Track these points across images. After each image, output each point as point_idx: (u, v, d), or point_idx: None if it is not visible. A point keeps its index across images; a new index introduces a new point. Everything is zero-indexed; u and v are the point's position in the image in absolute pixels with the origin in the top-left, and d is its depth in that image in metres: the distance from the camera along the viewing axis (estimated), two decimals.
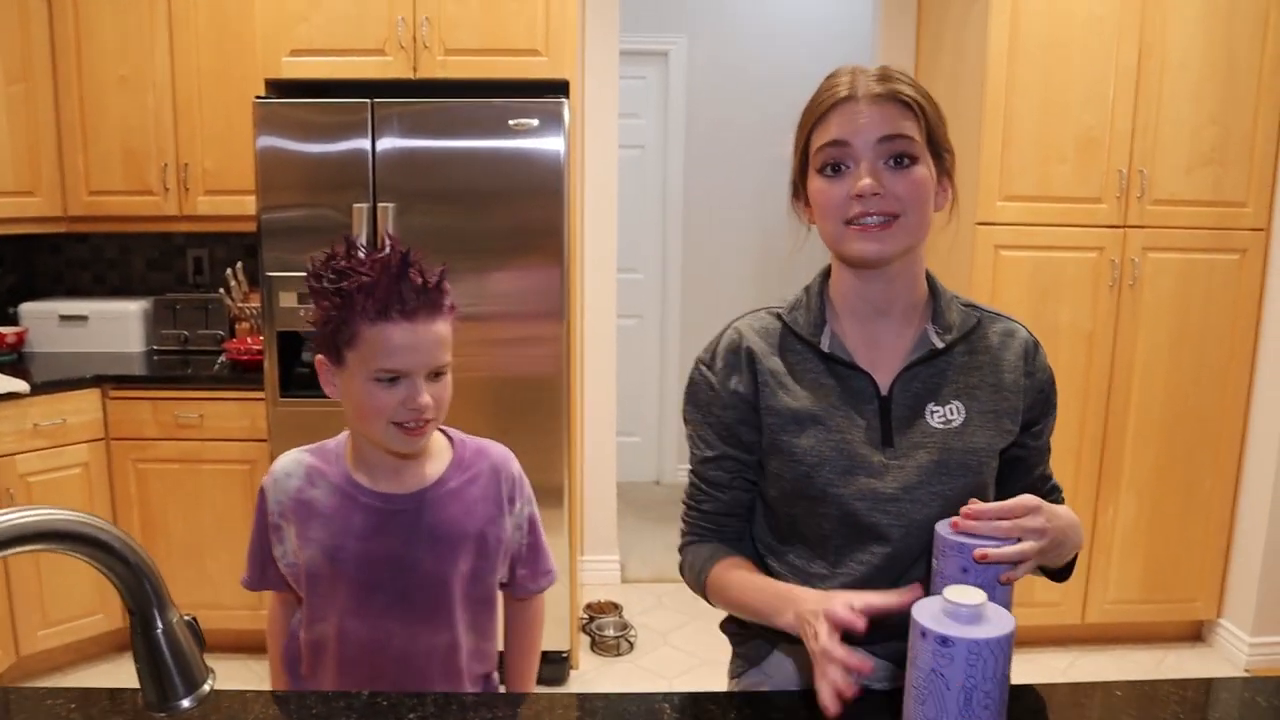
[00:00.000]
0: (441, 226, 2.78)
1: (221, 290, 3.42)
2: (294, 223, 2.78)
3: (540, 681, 2.96)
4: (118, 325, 3.39)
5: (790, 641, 1.26)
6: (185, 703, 0.77)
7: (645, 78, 4.72)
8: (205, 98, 3.18)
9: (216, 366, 3.18)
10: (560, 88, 2.83)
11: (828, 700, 0.94)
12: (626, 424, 4.85)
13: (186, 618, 0.79)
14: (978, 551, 0.98)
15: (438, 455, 1.36)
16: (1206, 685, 1.22)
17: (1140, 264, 3.01)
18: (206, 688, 0.79)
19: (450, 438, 1.40)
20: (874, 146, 1.13)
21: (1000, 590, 1.00)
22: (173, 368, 3.17)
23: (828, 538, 1.23)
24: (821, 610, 1.00)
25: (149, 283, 3.66)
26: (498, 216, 2.78)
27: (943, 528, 1.01)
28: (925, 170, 1.15)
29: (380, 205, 2.75)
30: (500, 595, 1.43)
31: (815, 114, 1.17)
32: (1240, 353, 3.09)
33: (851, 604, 0.99)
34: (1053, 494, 1.32)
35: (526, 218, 2.78)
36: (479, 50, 2.79)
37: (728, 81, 4.73)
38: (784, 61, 4.66)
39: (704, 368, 1.30)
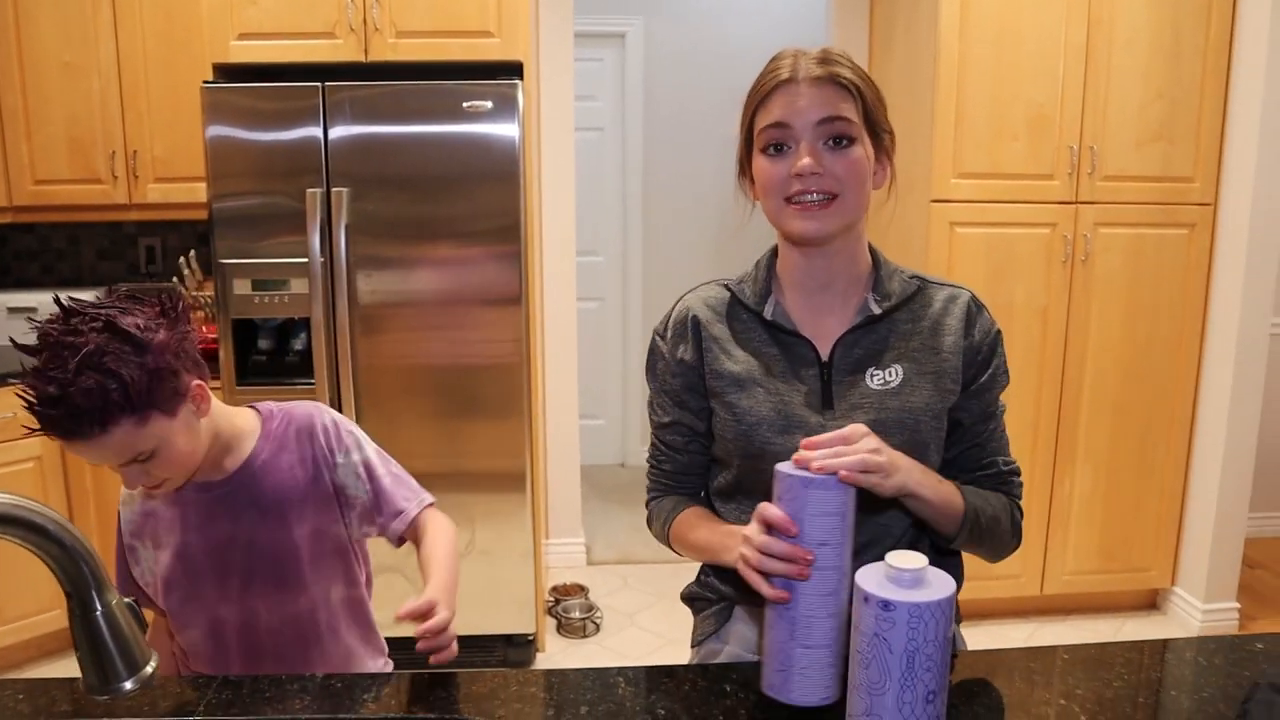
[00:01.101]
0: (397, 212, 2.76)
1: (175, 279, 3.37)
2: (247, 210, 2.75)
3: (506, 663, 2.99)
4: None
5: (750, 602, 1.30)
6: (127, 684, 0.77)
7: (602, 60, 4.70)
8: (152, 83, 3.12)
9: None
10: (514, 70, 2.81)
11: (764, 587, 1.01)
12: (590, 407, 4.86)
13: (126, 600, 0.78)
14: (815, 464, 0.99)
15: (248, 434, 1.40)
16: (1151, 646, 1.25)
17: (1092, 239, 3.05)
18: (149, 669, 0.78)
19: (260, 412, 1.43)
20: (813, 128, 1.17)
21: (812, 524, 0.98)
22: None
23: (769, 493, 1.25)
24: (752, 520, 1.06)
25: (100, 273, 3.59)
26: (454, 201, 2.76)
27: (783, 466, 1.01)
28: (863, 150, 1.19)
29: (334, 190, 2.72)
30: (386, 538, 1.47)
31: (758, 96, 1.22)
32: (1190, 326, 3.15)
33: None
34: (992, 478, 1.30)
35: (483, 201, 2.76)
36: (430, 32, 2.76)
37: (685, 63, 4.72)
38: (741, 42, 4.66)
39: (658, 338, 1.38)
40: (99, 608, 0.75)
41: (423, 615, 1.16)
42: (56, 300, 1.19)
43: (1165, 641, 1.27)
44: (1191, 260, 3.10)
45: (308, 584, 1.41)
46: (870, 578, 0.89)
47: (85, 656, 0.76)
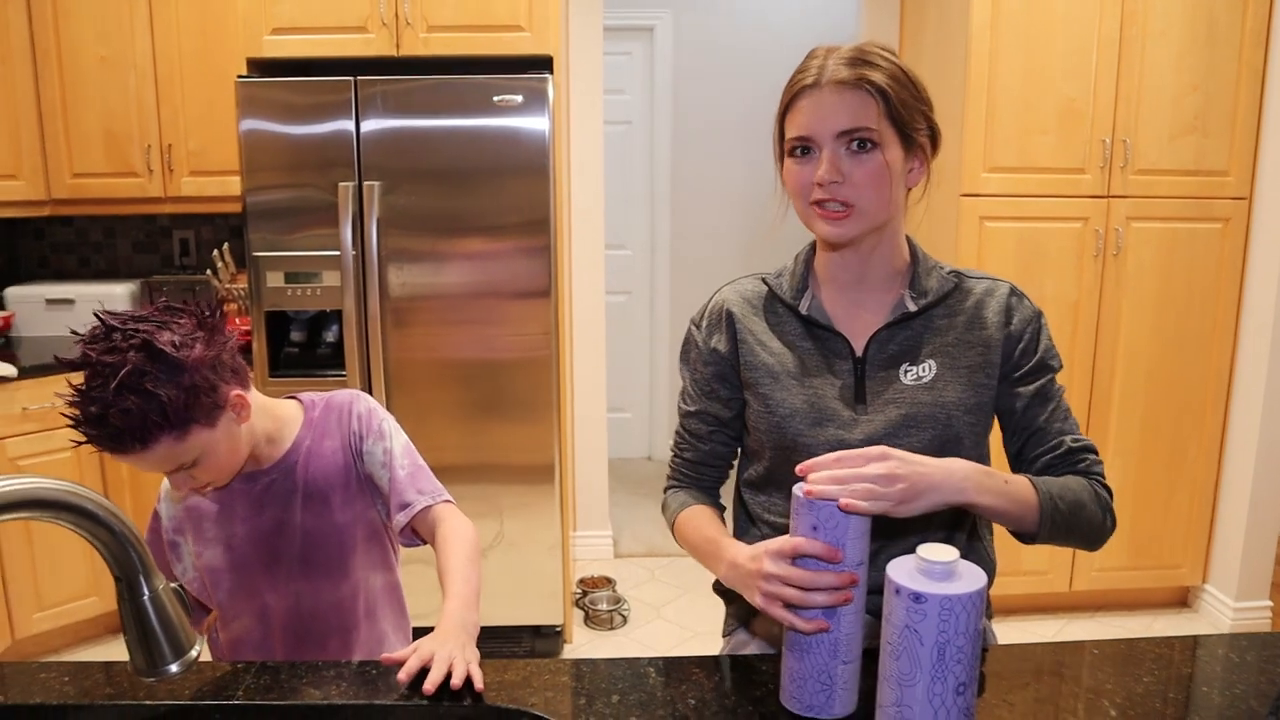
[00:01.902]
0: (428, 205, 2.78)
1: (209, 271, 3.42)
2: (280, 203, 2.78)
3: (535, 655, 3.01)
4: (105, 308, 3.37)
5: None
6: (173, 667, 0.79)
7: (631, 53, 4.70)
8: (187, 77, 3.16)
9: None
10: (544, 64, 2.83)
11: (797, 622, 1.00)
12: (617, 400, 4.87)
13: (173, 585, 0.80)
14: (807, 489, 0.98)
15: (291, 423, 1.43)
16: (1182, 642, 1.25)
17: (1124, 233, 3.02)
18: (194, 653, 0.80)
19: (302, 402, 1.46)
20: (834, 137, 1.18)
21: (854, 547, 0.97)
22: None
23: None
24: (763, 552, 1.05)
25: (135, 265, 3.65)
26: (484, 194, 2.78)
27: (799, 489, 1.00)
28: (885, 155, 1.18)
29: (366, 184, 2.75)
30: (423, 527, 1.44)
31: (786, 99, 1.23)
32: (1223, 321, 3.12)
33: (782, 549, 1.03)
34: (1064, 458, 1.26)
35: (513, 195, 2.78)
36: (462, 26, 2.78)
37: (713, 56, 4.72)
38: (769, 35, 4.65)
39: (693, 326, 1.41)
40: (146, 592, 0.77)
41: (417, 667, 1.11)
42: (96, 315, 1.21)
43: (1196, 638, 1.27)
44: (1225, 255, 3.07)
45: (351, 569, 1.44)
46: (901, 570, 0.90)
47: (133, 640, 0.78)
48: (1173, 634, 3.15)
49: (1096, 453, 1.28)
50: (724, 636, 1.47)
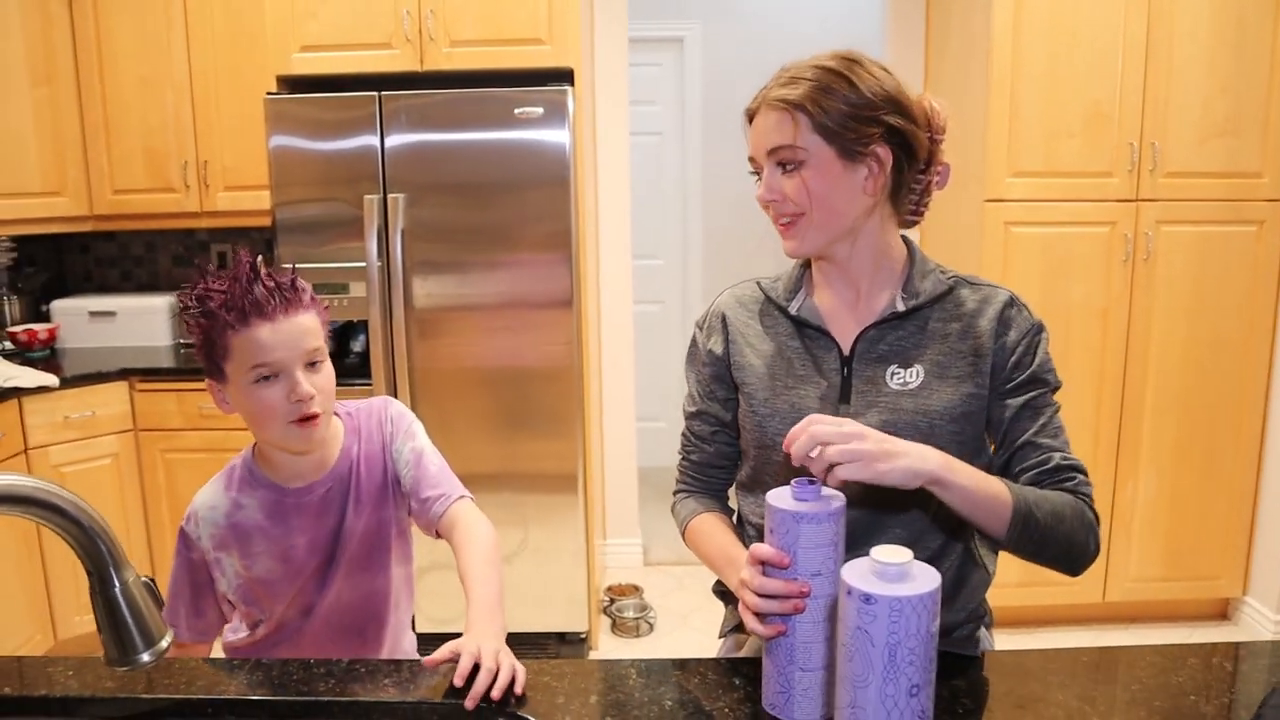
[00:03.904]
0: (451, 217, 2.83)
1: None
2: (308, 217, 2.85)
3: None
4: (145, 320, 3.49)
5: None
6: (145, 657, 0.82)
7: (661, 64, 4.73)
8: (222, 95, 3.26)
9: None
10: (566, 76, 2.86)
11: (758, 628, 1.02)
12: (650, 409, 4.88)
13: (144, 579, 0.84)
14: (786, 446, 1.05)
15: (335, 433, 1.47)
16: (1176, 650, 1.24)
17: (1154, 238, 2.98)
18: (164, 643, 0.84)
19: (339, 414, 1.51)
20: (767, 156, 1.25)
21: (808, 555, 0.98)
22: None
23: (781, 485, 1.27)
24: (745, 558, 1.06)
25: (174, 278, 3.76)
26: (506, 206, 2.82)
27: (774, 499, 1.00)
28: (812, 169, 1.22)
29: (391, 197, 2.81)
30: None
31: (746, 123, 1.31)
32: (1259, 325, 3.05)
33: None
34: (1052, 474, 1.22)
35: (534, 207, 2.82)
36: (483, 40, 2.83)
37: (744, 66, 4.72)
38: (799, 43, 4.58)
39: (697, 330, 1.46)
40: (117, 584, 0.81)
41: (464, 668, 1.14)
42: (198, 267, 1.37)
43: (1191, 646, 1.26)
44: (1260, 258, 3.01)
45: (389, 564, 1.49)
46: (854, 571, 0.90)
47: (106, 631, 0.82)
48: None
49: (1087, 474, 1.24)
50: (720, 637, 1.49)
